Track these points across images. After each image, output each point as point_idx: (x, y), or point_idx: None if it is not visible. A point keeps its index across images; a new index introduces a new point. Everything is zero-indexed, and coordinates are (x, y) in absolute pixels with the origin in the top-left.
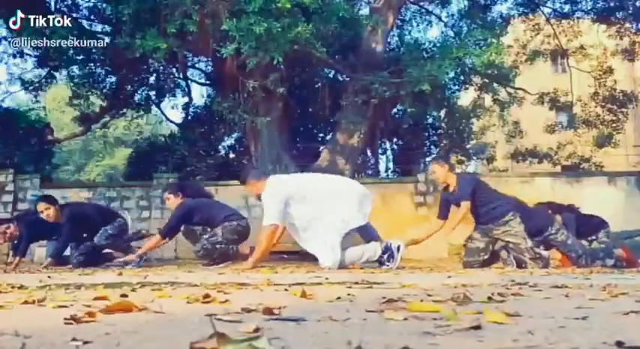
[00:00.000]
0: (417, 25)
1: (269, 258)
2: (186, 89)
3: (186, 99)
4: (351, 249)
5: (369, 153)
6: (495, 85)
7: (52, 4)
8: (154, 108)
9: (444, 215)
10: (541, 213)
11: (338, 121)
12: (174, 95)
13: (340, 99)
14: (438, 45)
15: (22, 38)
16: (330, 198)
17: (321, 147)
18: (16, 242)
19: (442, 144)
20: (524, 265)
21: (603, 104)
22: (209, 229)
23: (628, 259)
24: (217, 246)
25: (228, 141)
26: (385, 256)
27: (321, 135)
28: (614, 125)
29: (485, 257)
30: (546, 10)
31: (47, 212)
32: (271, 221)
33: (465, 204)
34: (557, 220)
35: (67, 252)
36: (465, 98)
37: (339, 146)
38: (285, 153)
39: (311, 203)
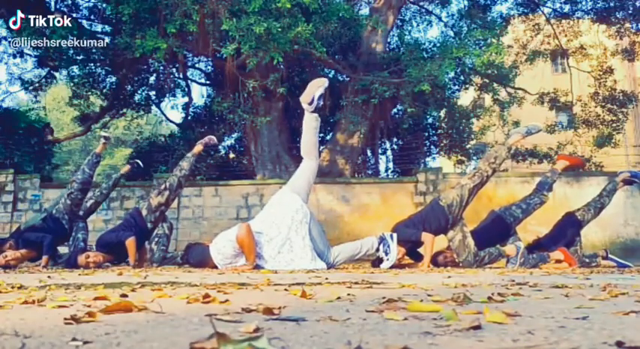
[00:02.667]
0: (417, 25)
1: None
2: (186, 89)
3: (186, 99)
4: (347, 244)
5: (369, 153)
6: (495, 84)
7: (52, 4)
8: (154, 108)
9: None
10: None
11: (338, 121)
12: (174, 95)
13: (340, 99)
14: (438, 45)
15: (22, 38)
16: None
17: (321, 147)
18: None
19: (442, 144)
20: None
21: (603, 104)
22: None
23: (567, 261)
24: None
25: (228, 141)
26: (382, 247)
27: (321, 135)
28: (614, 125)
29: (469, 241)
30: (546, 10)
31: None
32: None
33: (425, 235)
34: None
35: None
36: (465, 98)
37: (339, 146)
38: (285, 153)
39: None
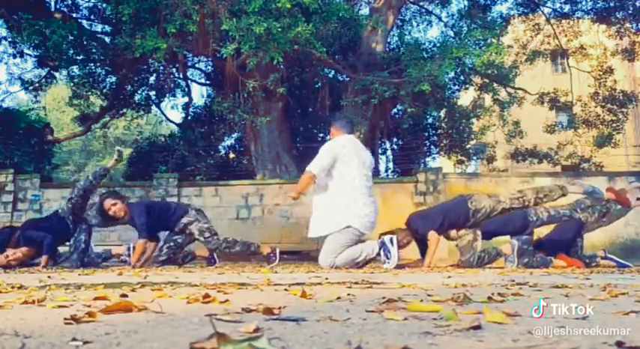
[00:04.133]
0: (417, 25)
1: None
2: (186, 89)
3: (186, 99)
4: (349, 250)
5: None
6: (495, 85)
7: (52, 4)
8: (154, 108)
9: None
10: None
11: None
12: (174, 95)
13: (340, 99)
14: (438, 45)
15: (22, 38)
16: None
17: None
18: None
19: (442, 144)
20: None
21: (603, 104)
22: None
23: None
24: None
25: (228, 141)
26: (382, 252)
27: (321, 135)
28: (614, 125)
29: (477, 244)
30: (546, 10)
31: (114, 208)
32: (311, 169)
33: (432, 234)
34: None
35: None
36: (465, 98)
37: None
38: (285, 153)
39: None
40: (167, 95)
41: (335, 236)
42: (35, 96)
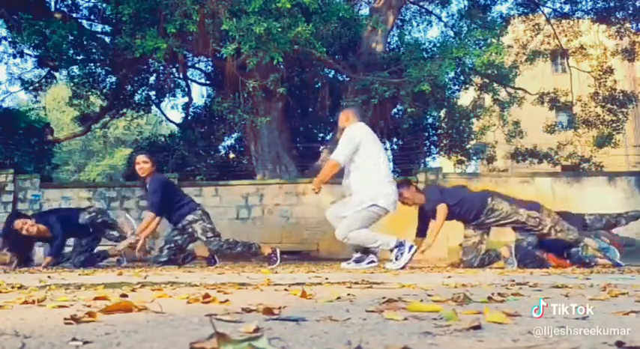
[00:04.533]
0: (417, 25)
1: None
2: (186, 89)
3: (186, 99)
4: (366, 230)
5: None
6: (495, 85)
7: (52, 4)
8: (153, 108)
9: (422, 233)
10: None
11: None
12: (174, 95)
13: (340, 99)
14: (438, 45)
15: (22, 38)
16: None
17: (321, 147)
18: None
19: (442, 144)
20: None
21: (603, 104)
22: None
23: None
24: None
25: (228, 141)
26: (395, 251)
27: (321, 135)
28: (614, 125)
29: (482, 247)
30: (546, 10)
31: (144, 165)
32: (336, 158)
33: (441, 206)
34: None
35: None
36: (465, 98)
37: None
38: (285, 153)
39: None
40: (167, 95)
41: (359, 212)
42: (35, 96)
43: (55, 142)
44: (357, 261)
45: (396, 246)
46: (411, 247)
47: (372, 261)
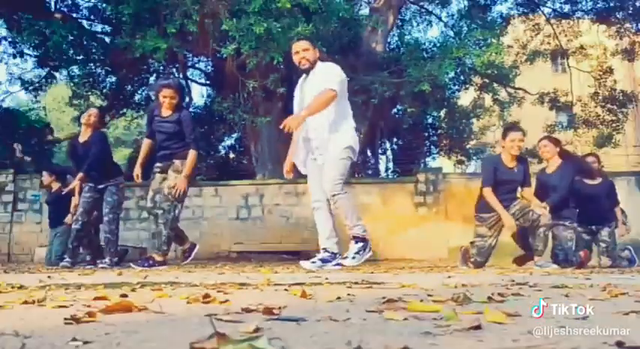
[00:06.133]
0: (417, 25)
1: (269, 258)
2: (186, 89)
3: (186, 99)
4: (352, 202)
5: (369, 153)
6: (495, 84)
7: (52, 4)
8: None
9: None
10: None
11: None
12: None
13: None
14: (438, 45)
15: (22, 38)
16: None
17: None
18: None
19: (442, 144)
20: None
21: (603, 104)
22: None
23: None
24: None
25: (228, 141)
26: (360, 245)
27: None
28: (614, 125)
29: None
30: (546, 10)
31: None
32: (333, 87)
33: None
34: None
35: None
36: (465, 98)
37: None
38: (285, 153)
39: None
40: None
41: (336, 163)
42: (35, 96)
43: (55, 142)
44: (324, 260)
45: (363, 239)
46: (370, 248)
47: (338, 264)
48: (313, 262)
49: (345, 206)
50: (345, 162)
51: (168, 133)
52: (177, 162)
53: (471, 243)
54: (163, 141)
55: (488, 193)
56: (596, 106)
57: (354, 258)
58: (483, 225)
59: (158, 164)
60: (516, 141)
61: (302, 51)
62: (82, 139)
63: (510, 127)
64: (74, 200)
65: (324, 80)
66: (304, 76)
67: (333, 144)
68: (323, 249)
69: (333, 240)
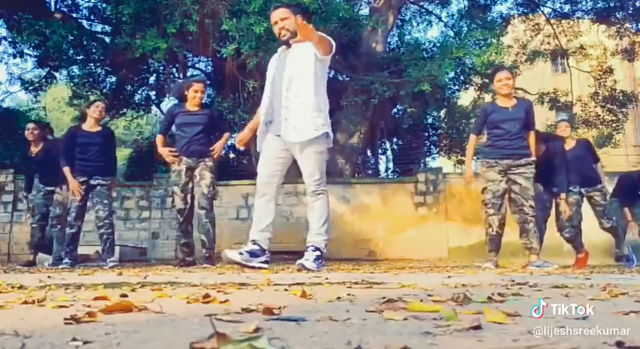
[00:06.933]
0: (417, 25)
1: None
2: None
3: None
4: (328, 205)
5: (369, 153)
6: None
7: (52, 4)
8: (154, 108)
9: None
10: None
11: (338, 121)
12: None
13: (340, 99)
14: (438, 45)
15: (22, 38)
16: None
17: None
18: None
19: (442, 144)
20: None
21: (603, 104)
22: None
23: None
24: None
25: (229, 141)
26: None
27: None
28: (614, 125)
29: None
30: (546, 10)
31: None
32: (329, 38)
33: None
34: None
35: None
36: (465, 98)
37: (338, 146)
38: None
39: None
40: (167, 95)
41: (316, 156)
42: (35, 97)
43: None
44: (252, 253)
45: (321, 252)
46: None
47: (266, 262)
48: (240, 253)
49: (322, 208)
50: (324, 156)
51: (202, 125)
52: (209, 161)
53: (483, 189)
54: (194, 136)
55: (471, 140)
56: (596, 106)
57: (314, 262)
58: (491, 170)
59: (187, 159)
60: (503, 80)
61: (280, 21)
62: (88, 129)
63: (497, 69)
64: (70, 194)
65: (313, 50)
66: (283, 47)
67: (313, 127)
68: (252, 241)
69: (267, 235)
